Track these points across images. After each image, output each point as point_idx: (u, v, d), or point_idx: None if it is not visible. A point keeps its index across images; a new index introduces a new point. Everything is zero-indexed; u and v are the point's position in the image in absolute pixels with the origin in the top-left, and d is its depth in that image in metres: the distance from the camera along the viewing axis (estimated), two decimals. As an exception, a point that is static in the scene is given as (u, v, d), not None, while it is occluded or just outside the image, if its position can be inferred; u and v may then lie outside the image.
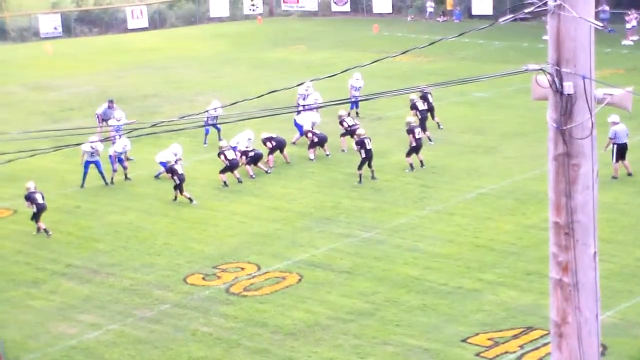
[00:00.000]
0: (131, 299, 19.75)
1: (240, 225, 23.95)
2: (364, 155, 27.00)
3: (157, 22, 66.39)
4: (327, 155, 29.59)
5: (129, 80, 45.67)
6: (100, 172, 27.61)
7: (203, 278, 20.69)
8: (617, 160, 25.92)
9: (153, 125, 12.55)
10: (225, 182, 27.13)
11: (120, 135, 28.54)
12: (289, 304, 19.07)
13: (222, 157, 27.26)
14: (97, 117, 32.78)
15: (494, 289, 19.28)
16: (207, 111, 29.48)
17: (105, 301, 19.71)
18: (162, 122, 21.51)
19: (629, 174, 26.10)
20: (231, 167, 27.26)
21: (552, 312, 7.06)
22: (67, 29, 63.37)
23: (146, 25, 65.49)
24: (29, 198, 23.97)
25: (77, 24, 64.51)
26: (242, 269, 21.09)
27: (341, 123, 30.19)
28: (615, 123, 25.75)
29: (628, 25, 48.32)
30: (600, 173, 7.20)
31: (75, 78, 46.57)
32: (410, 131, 27.85)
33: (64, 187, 27.79)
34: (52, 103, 40.76)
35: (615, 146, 25.74)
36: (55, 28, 62.79)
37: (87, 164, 27.51)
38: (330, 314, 18.52)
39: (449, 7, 63.43)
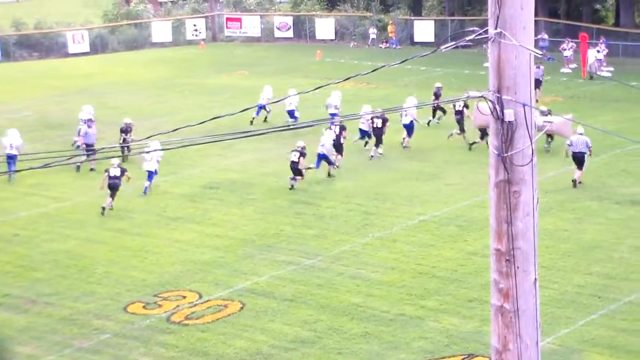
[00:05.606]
0: (70, 328, 19.36)
1: (182, 253, 23.70)
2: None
3: (98, 46, 65.78)
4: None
5: (69, 105, 45.01)
6: (13, 169, 27.58)
7: (144, 307, 20.38)
8: (578, 168, 27.72)
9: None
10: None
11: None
12: (231, 332, 18.87)
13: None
14: (81, 143, 31.85)
15: (436, 316, 19.30)
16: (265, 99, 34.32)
17: (43, 331, 19.29)
18: (103, 148, 21.25)
19: (579, 182, 27.72)
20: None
21: (493, 339, 7.05)
22: (6, 53, 62.51)
23: (87, 50, 64.84)
24: None
25: (16, 48, 63.67)
26: (184, 297, 20.83)
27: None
28: (577, 133, 27.37)
29: (566, 54, 49.14)
30: (539, 199, 7.21)
31: (14, 103, 45.84)
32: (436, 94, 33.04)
33: (2, 214, 27.24)
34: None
35: (572, 154, 27.60)
36: (-7, 52, 61.90)
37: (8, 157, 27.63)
38: (272, 342, 18.36)
39: (391, 35, 63.93)
